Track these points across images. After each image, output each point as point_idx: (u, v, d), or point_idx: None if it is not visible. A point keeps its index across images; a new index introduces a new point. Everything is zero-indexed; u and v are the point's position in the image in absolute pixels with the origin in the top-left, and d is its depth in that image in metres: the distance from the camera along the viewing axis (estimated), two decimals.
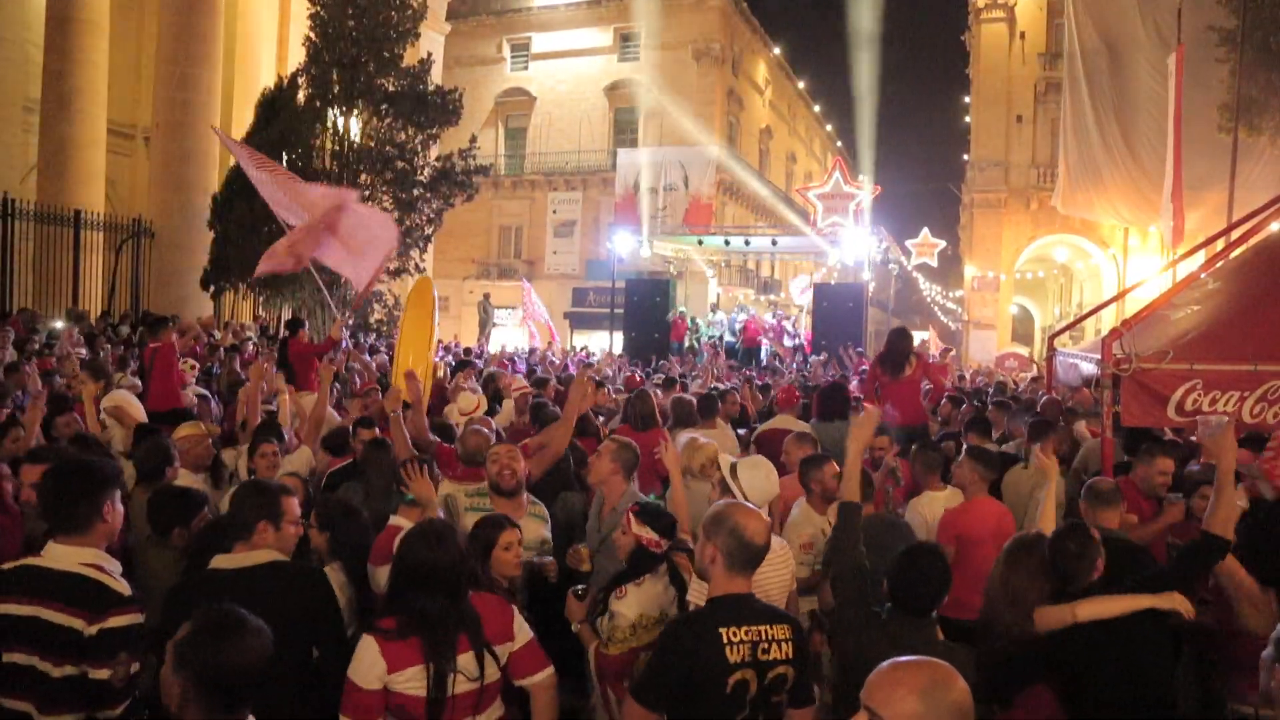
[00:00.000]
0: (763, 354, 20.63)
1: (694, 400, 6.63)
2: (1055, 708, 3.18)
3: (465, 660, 2.56)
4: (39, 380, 7.80)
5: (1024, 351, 29.76)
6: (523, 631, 2.75)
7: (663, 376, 10.99)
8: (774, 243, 22.95)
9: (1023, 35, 30.55)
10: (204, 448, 4.80)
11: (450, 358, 13.43)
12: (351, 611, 3.37)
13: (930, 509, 4.74)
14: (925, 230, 29.66)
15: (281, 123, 15.83)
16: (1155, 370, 5.12)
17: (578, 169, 34.28)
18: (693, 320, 22.67)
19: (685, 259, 25.08)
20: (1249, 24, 14.80)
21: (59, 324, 12.42)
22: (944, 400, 8.29)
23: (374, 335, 16.60)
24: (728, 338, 21.56)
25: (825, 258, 23.34)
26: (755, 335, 21.13)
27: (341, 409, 7.07)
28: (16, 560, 2.64)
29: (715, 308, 26.35)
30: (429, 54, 18.86)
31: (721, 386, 8.76)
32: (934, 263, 30.15)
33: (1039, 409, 6.95)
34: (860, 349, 17.05)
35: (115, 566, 2.60)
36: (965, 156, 33.04)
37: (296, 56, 18.76)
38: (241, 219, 14.81)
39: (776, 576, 3.49)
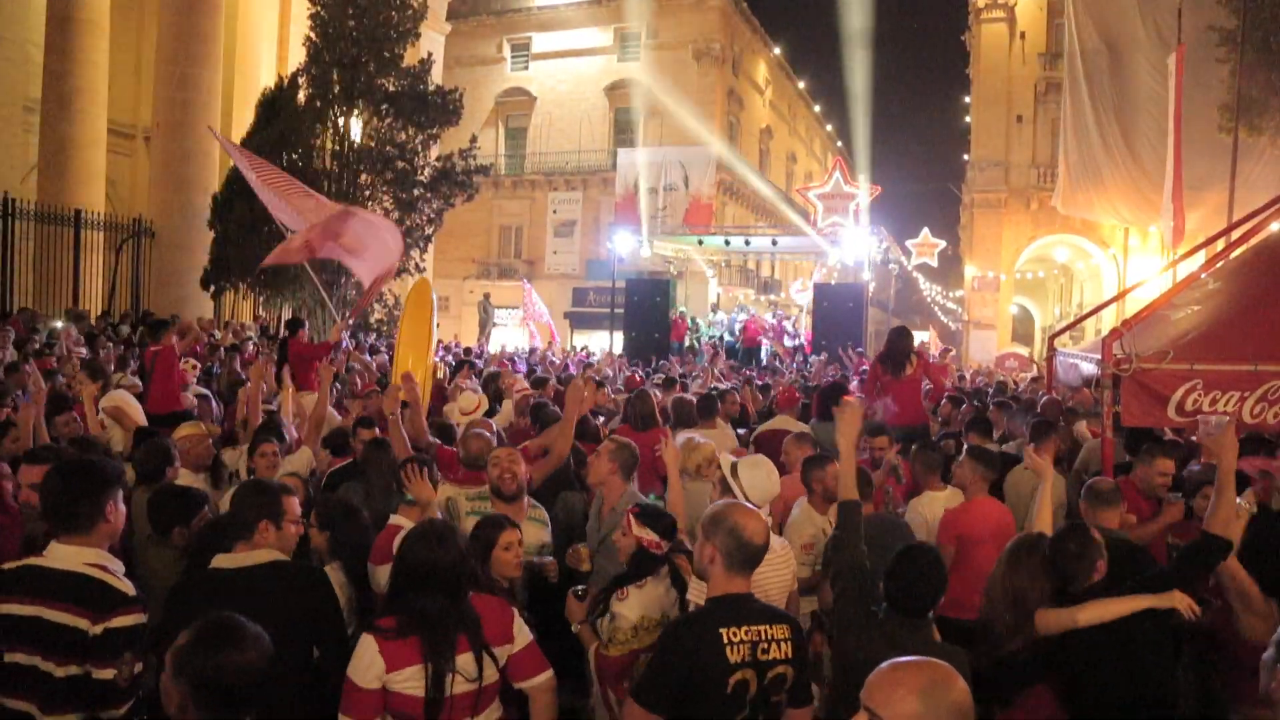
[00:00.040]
0: (763, 354, 20.64)
1: (694, 400, 6.63)
2: (1055, 708, 3.18)
3: (464, 661, 2.56)
4: (40, 380, 7.80)
5: (1024, 351, 29.76)
6: (522, 634, 2.75)
7: (663, 376, 10.99)
8: (774, 243, 22.95)
9: (1023, 35, 30.54)
10: (204, 447, 4.81)
11: (450, 358, 13.43)
12: (351, 611, 3.38)
13: (930, 509, 4.74)
14: (925, 230, 29.67)
15: (282, 123, 15.84)
16: (1155, 370, 5.11)
17: (578, 169, 34.28)
18: (693, 320, 22.68)
19: (685, 259, 25.08)
20: (1249, 24, 14.80)
21: (59, 324, 12.42)
22: (944, 400, 8.29)
23: (374, 335, 16.61)
24: (728, 338, 21.58)
25: (825, 258, 23.34)
26: (755, 335, 21.14)
27: (342, 409, 7.07)
28: (17, 560, 2.64)
29: (716, 308, 26.36)
30: (429, 54, 18.86)
31: (722, 386, 8.76)
32: (934, 263, 30.15)
33: (1039, 409, 6.95)
34: (860, 349, 17.06)
35: (119, 566, 2.60)
36: (965, 156, 33.04)
37: (297, 56, 18.77)
38: (242, 219, 14.82)
39: (776, 576, 3.49)
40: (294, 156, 15.70)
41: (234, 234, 15.25)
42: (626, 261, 23.73)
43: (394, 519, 3.75)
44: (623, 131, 34.10)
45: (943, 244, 29.65)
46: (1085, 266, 32.83)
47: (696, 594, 2.94)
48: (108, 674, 2.41)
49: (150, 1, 20.66)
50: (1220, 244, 6.58)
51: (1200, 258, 7.44)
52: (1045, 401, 7.39)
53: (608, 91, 34.75)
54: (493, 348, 19.75)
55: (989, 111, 30.95)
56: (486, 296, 25.82)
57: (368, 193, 17.12)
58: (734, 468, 3.65)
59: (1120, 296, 13.38)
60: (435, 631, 2.54)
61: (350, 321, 11.79)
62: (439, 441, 5.10)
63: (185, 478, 4.44)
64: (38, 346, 9.82)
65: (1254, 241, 5.93)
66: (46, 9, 17.52)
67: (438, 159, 17.73)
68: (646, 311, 21.70)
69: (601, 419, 7.06)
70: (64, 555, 2.53)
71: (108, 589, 2.49)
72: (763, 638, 2.47)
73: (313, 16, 16.84)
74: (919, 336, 12.52)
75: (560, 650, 3.27)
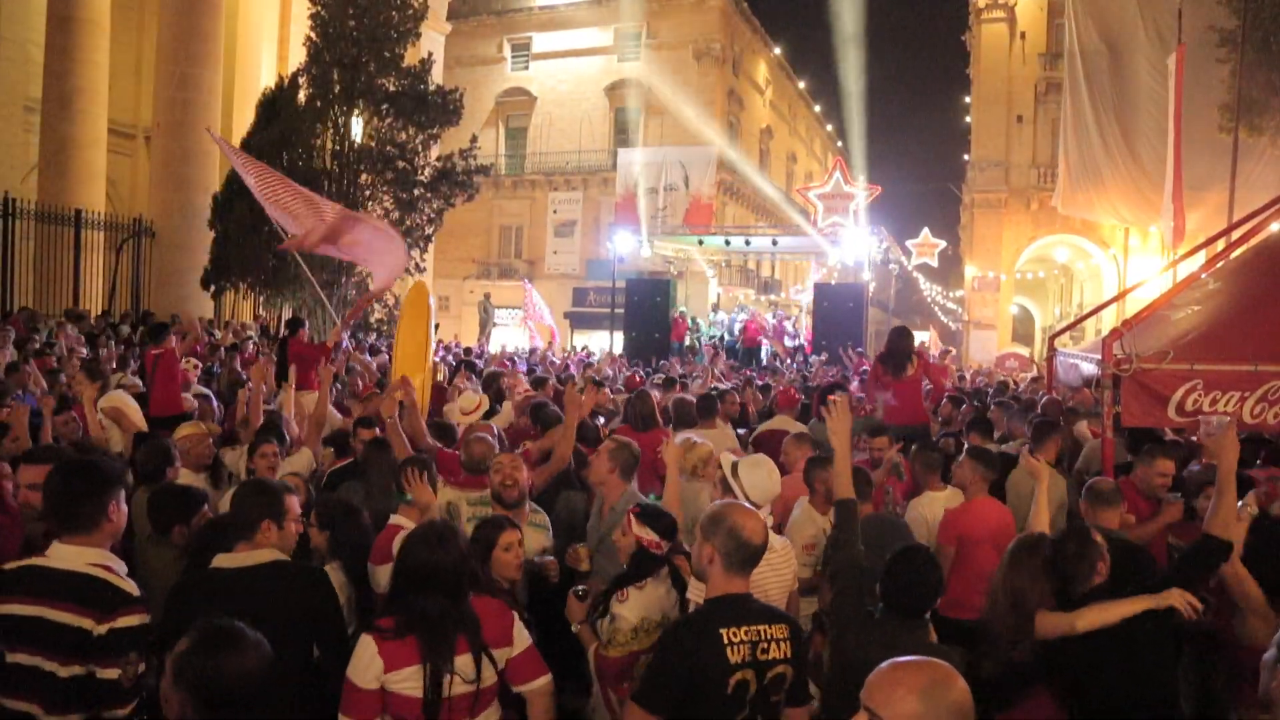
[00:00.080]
0: (763, 354, 20.65)
1: (694, 400, 6.63)
2: (1053, 709, 3.18)
3: (463, 662, 2.56)
4: (42, 379, 7.81)
5: (1024, 352, 29.77)
6: (522, 638, 2.75)
7: (662, 377, 10.99)
8: (774, 243, 22.94)
9: (1023, 35, 30.54)
10: (205, 447, 4.82)
11: (450, 358, 13.43)
12: (351, 611, 3.38)
13: (930, 509, 4.74)
14: (925, 230, 29.68)
15: (282, 123, 15.84)
16: (1156, 370, 5.11)
17: (578, 169, 34.28)
18: (693, 320, 22.68)
19: (686, 259, 25.08)
20: (1249, 24, 14.80)
21: (70, 328, 12.42)
22: (944, 400, 8.28)
23: (374, 335, 16.61)
24: (727, 338, 21.58)
25: (825, 258, 23.34)
26: (755, 335, 21.14)
27: (343, 409, 7.07)
28: (18, 560, 2.64)
29: (716, 308, 26.37)
30: (429, 54, 18.85)
31: (722, 386, 8.76)
32: (934, 263, 30.16)
33: (1040, 409, 6.95)
34: (860, 349, 17.06)
35: (122, 567, 2.60)
36: (966, 156, 33.04)
37: (297, 56, 18.77)
38: (242, 219, 14.82)
39: (776, 576, 3.49)
40: (294, 156, 15.69)
41: (234, 234, 15.25)
42: (627, 261, 23.72)
43: (394, 519, 3.75)
44: (623, 131, 34.09)
45: (943, 244, 29.66)
46: (1085, 266, 32.83)
47: (696, 594, 2.94)
48: (112, 674, 2.41)
49: (151, 1, 20.66)
50: (1220, 244, 6.58)
51: (1200, 258, 7.43)
52: (1045, 401, 7.39)
53: (608, 91, 34.74)
54: (493, 348, 19.76)
55: (989, 111, 30.95)
56: (487, 296, 25.83)
57: (368, 193, 17.13)
58: (734, 467, 3.65)
59: (1120, 297, 13.38)
60: (434, 632, 2.54)
61: (350, 323, 11.79)
62: (439, 444, 5.09)
63: (186, 477, 4.44)
64: (38, 346, 9.82)
65: (1254, 242, 5.93)
66: (47, 8, 17.53)
67: (438, 159, 17.74)
68: (647, 311, 21.70)
69: (601, 420, 7.06)
70: (67, 555, 2.52)
71: (112, 589, 2.49)
72: (762, 637, 2.47)
73: (313, 16, 16.84)
74: (919, 336, 12.51)
75: (561, 651, 3.28)
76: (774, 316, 23.70)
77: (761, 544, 2.58)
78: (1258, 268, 5.58)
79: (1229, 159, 14.39)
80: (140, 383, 7.61)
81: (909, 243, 29.65)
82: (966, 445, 5.29)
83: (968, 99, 33.62)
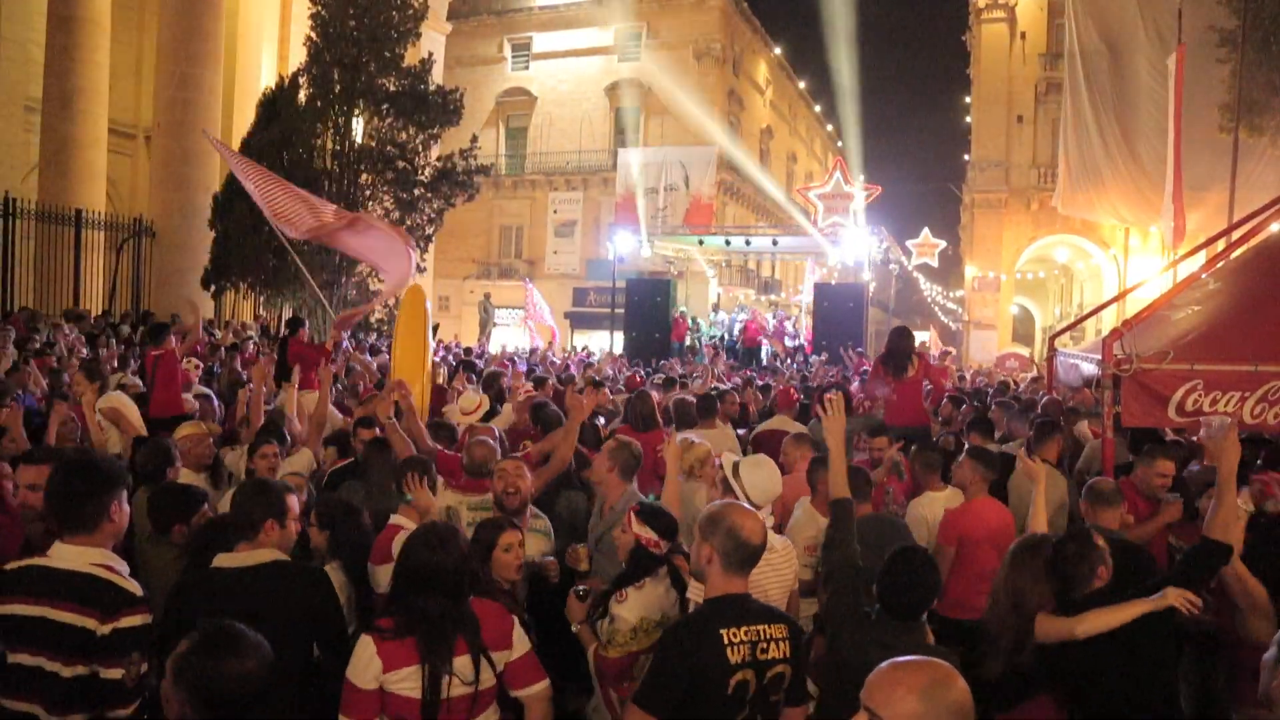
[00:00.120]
0: (763, 354, 20.65)
1: (694, 401, 6.63)
2: (1054, 709, 3.17)
3: (461, 663, 2.56)
4: (42, 379, 7.80)
5: (1024, 352, 29.77)
6: (521, 642, 2.74)
7: (663, 377, 11.00)
8: (775, 242, 22.95)
9: (1023, 35, 30.55)
10: (205, 446, 4.82)
11: (450, 358, 13.43)
12: (351, 611, 3.38)
13: (930, 509, 4.74)
14: (926, 230, 29.69)
15: (282, 123, 15.84)
16: (1156, 371, 5.10)
17: (578, 169, 34.29)
18: (693, 320, 22.68)
19: (686, 259, 25.09)
20: (1249, 24, 14.81)
21: (65, 327, 12.42)
22: (944, 400, 8.28)
23: (375, 335, 16.61)
24: (728, 338, 21.58)
25: (824, 258, 23.34)
26: (755, 335, 21.14)
27: (344, 408, 7.07)
28: (19, 561, 2.63)
29: (716, 308, 26.38)
30: (430, 54, 18.85)
31: (722, 386, 8.76)
32: (934, 263, 30.16)
33: (1040, 409, 6.95)
34: (860, 349, 17.05)
35: (124, 566, 2.60)
36: (966, 156, 33.05)
37: (297, 56, 18.77)
38: (242, 219, 14.82)
39: (777, 576, 3.48)
40: (295, 156, 15.70)
41: (234, 234, 15.26)
42: (627, 261, 23.72)
43: (394, 519, 3.76)
44: (623, 131, 34.08)
45: (943, 244, 29.66)
46: (1085, 267, 32.84)
47: (697, 594, 2.94)
48: (115, 674, 2.41)
49: (151, 1, 20.67)
50: (1221, 244, 6.57)
51: (1201, 258, 7.43)
52: (1046, 401, 7.39)
53: (608, 91, 34.75)
54: (493, 348, 19.76)
55: (989, 111, 30.96)
56: (487, 296, 25.84)
57: (368, 193, 17.13)
58: (735, 468, 3.65)
59: (1121, 297, 13.37)
60: (433, 632, 2.54)
61: (343, 328, 11.79)
62: (440, 447, 5.08)
63: (186, 477, 4.44)
64: (38, 346, 9.82)
65: (1254, 242, 5.93)
66: (47, 8, 17.53)
67: (438, 159, 17.74)
68: (647, 311, 21.70)
69: (601, 420, 7.06)
70: (69, 555, 2.52)
71: (115, 589, 2.49)
72: (762, 637, 2.47)
73: (313, 16, 16.84)
74: (919, 336, 12.51)
75: (562, 651, 3.27)
76: (774, 317, 23.70)
77: (760, 544, 2.58)
78: (1258, 268, 5.57)
79: (1229, 159, 14.39)
80: (140, 383, 7.60)
81: (909, 243, 29.64)
82: (967, 445, 5.29)
83: (968, 99, 33.64)
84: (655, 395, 6.78)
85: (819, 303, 21.09)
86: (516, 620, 2.78)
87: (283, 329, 14.13)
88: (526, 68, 36.26)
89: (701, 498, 4.17)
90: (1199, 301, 5.39)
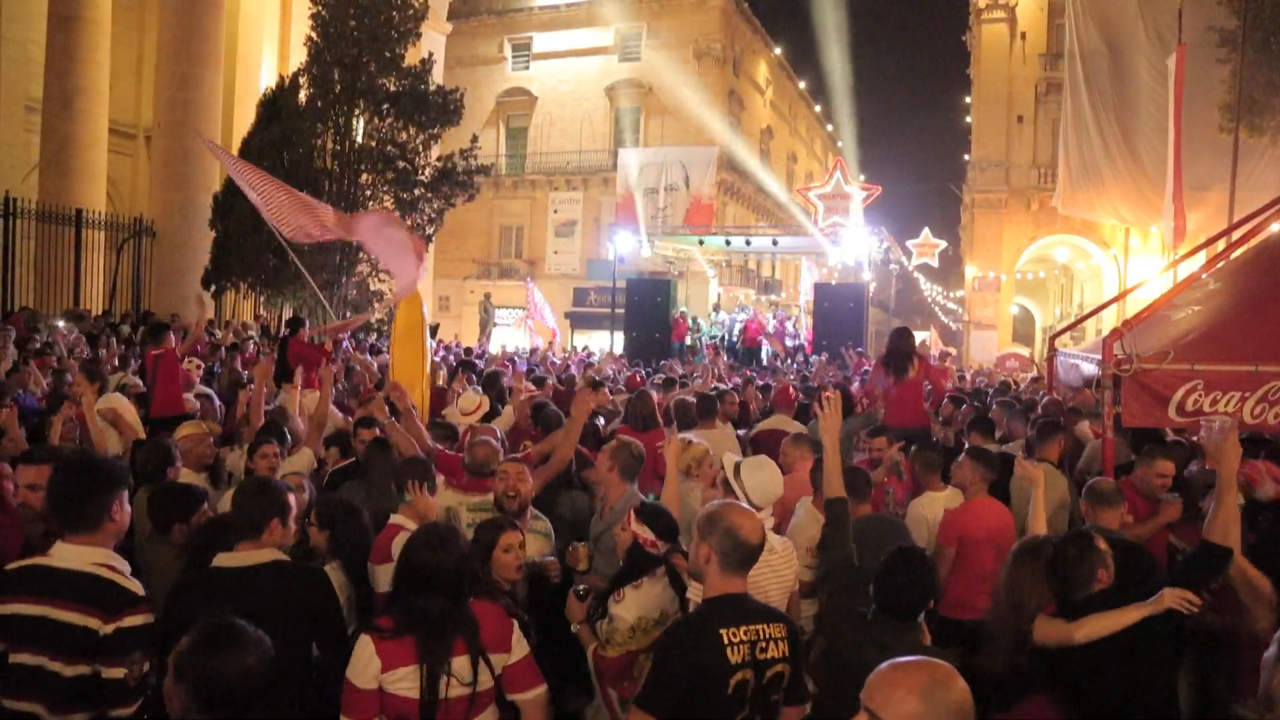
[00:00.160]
0: (763, 354, 20.64)
1: (694, 401, 6.63)
2: (1053, 710, 3.17)
3: (460, 664, 2.56)
4: (42, 379, 7.80)
5: (1025, 352, 29.77)
6: (520, 646, 2.74)
7: (663, 377, 10.99)
8: (775, 242, 22.95)
9: (1023, 35, 30.55)
10: (205, 447, 4.81)
11: (450, 358, 13.43)
12: (351, 611, 3.38)
13: (930, 509, 4.74)
14: (926, 230, 29.66)
15: (283, 123, 15.85)
16: (1156, 371, 5.10)
17: (579, 169, 34.29)
18: (694, 320, 22.68)
19: (686, 259, 25.09)
20: (1249, 24, 14.80)
21: (61, 324, 12.43)
22: (945, 401, 8.27)
23: (375, 335, 16.61)
24: (728, 338, 21.58)
25: (823, 259, 23.33)
26: (755, 335, 21.14)
27: (344, 408, 7.07)
28: (20, 560, 2.63)
29: (717, 308, 26.39)
30: (430, 54, 18.86)
31: (722, 387, 8.76)
32: (935, 263, 30.13)
33: (1041, 409, 6.94)
34: (861, 349, 17.05)
35: (126, 566, 2.60)
36: (966, 156, 33.04)
37: (298, 56, 18.78)
38: (242, 219, 14.82)
39: (777, 577, 3.47)
40: (295, 156, 15.70)
41: (235, 234, 15.27)
42: (627, 261, 23.72)
43: (394, 518, 3.76)
44: (623, 131, 34.11)
45: (943, 244, 29.64)
46: (1086, 267, 32.83)
47: (696, 594, 2.94)
48: (117, 674, 2.41)
49: (151, 1, 20.68)
50: (1221, 244, 6.57)
51: (1201, 258, 7.43)
52: (1046, 402, 7.38)
53: (608, 91, 34.76)
54: (493, 348, 19.76)
55: (989, 111, 30.96)
56: (487, 296, 25.85)
57: (368, 193, 17.14)
58: (736, 468, 3.65)
59: (1121, 297, 13.38)
60: (432, 632, 2.54)
61: (340, 333, 11.80)
62: (440, 447, 5.08)
63: (187, 476, 4.43)
64: (38, 346, 9.83)
65: (1255, 242, 5.93)
66: (48, 8, 17.55)
67: (438, 159, 17.75)
68: (647, 312, 21.71)
69: (602, 420, 7.06)
70: (71, 555, 2.52)
71: (117, 589, 2.49)
72: (761, 637, 2.47)
73: (314, 16, 16.85)
74: (919, 337, 12.50)
75: (562, 651, 3.27)
76: (774, 317, 23.71)
77: (759, 544, 2.58)
78: (1258, 268, 5.57)
79: (1229, 159, 14.39)
80: (141, 383, 7.60)
81: (909, 243, 29.62)
82: (967, 445, 5.28)
83: (968, 99, 33.63)
84: (655, 395, 6.78)
85: (819, 303, 21.09)
86: (516, 624, 2.78)
87: (283, 329, 14.13)
88: (527, 68, 36.26)
89: (696, 497, 4.16)
90: (1199, 301, 5.39)
